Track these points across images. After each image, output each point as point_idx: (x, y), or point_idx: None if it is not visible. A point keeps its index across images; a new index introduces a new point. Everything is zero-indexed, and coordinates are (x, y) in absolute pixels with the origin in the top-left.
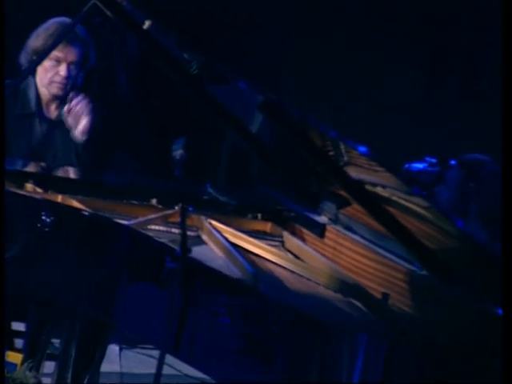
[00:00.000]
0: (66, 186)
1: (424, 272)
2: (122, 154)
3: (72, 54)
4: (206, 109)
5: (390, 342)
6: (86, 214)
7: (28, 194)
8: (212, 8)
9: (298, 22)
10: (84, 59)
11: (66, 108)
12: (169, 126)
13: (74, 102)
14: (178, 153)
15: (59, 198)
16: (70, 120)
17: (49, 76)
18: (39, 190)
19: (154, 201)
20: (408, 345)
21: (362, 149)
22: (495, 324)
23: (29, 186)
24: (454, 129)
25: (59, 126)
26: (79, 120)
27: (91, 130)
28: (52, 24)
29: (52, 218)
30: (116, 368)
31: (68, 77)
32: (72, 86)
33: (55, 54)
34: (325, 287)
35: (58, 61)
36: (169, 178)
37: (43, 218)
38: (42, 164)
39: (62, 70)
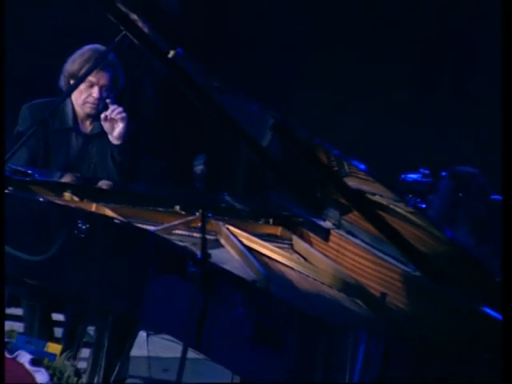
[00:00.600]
0: (99, 195)
1: (417, 273)
2: (150, 163)
3: (104, 79)
4: (224, 126)
5: (388, 339)
6: (117, 221)
7: (66, 204)
8: (226, 24)
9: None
10: (114, 82)
11: (103, 115)
12: (191, 140)
13: (110, 110)
14: (198, 168)
15: (93, 207)
16: (106, 126)
17: (83, 97)
18: (76, 198)
19: (177, 207)
20: (405, 342)
21: (361, 166)
22: (480, 320)
23: (67, 195)
24: (445, 128)
25: (93, 140)
26: (115, 126)
27: (125, 134)
28: (86, 50)
29: (87, 225)
30: (144, 353)
31: (100, 98)
32: (104, 105)
33: (88, 78)
34: (329, 287)
35: (91, 84)
36: (191, 188)
37: (79, 225)
38: (78, 175)
39: (95, 92)
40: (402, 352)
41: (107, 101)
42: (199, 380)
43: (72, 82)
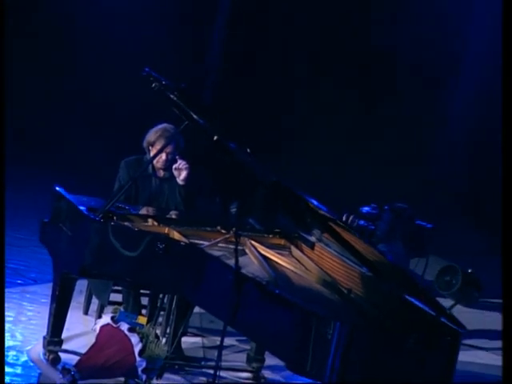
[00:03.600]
0: (170, 221)
1: (369, 273)
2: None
3: (169, 148)
4: (248, 178)
5: (352, 327)
6: (182, 243)
7: (150, 230)
8: None
9: None
10: (177, 147)
11: (174, 166)
12: (227, 186)
13: (178, 163)
14: (233, 210)
15: (166, 229)
16: (175, 173)
17: (156, 159)
18: (156, 223)
19: (219, 227)
20: (364, 328)
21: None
22: (404, 304)
23: (150, 221)
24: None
25: (166, 182)
26: (181, 173)
27: (188, 178)
28: (159, 128)
29: (163, 245)
30: (197, 310)
31: (166, 161)
32: (171, 163)
33: (159, 147)
34: (315, 282)
35: (161, 151)
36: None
37: (158, 245)
38: (155, 207)
39: (163, 157)
40: (361, 336)
41: (176, 157)
42: None
43: (150, 147)
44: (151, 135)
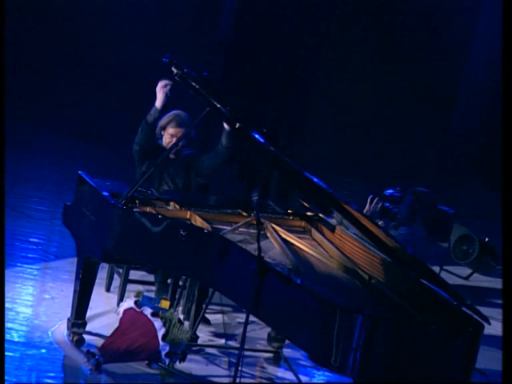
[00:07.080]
0: (192, 204)
1: (388, 259)
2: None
3: (179, 133)
4: (269, 163)
5: (374, 318)
6: (205, 231)
7: (172, 215)
8: None
9: None
10: (187, 135)
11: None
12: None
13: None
14: (255, 198)
15: (188, 214)
16: (168, 136)
17: (167, 141)
18: (177, 206)
19: (240, 210)
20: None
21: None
22: (426, 292)
23: (172, 204)
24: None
25: (176, 162)
26: (172, 140)
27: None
28: (172, 113)
29: (186, 232)
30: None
31: (175, 144)
32: (181, 148)
33: (170, 132)
34: (337, 269)
35: (172, 135)
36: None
37: (181, 232)
38: (174, 189)
39: (172, 140)
40: (384, 326)
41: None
42: None
43: (162, 132)
44: (163, 120)
